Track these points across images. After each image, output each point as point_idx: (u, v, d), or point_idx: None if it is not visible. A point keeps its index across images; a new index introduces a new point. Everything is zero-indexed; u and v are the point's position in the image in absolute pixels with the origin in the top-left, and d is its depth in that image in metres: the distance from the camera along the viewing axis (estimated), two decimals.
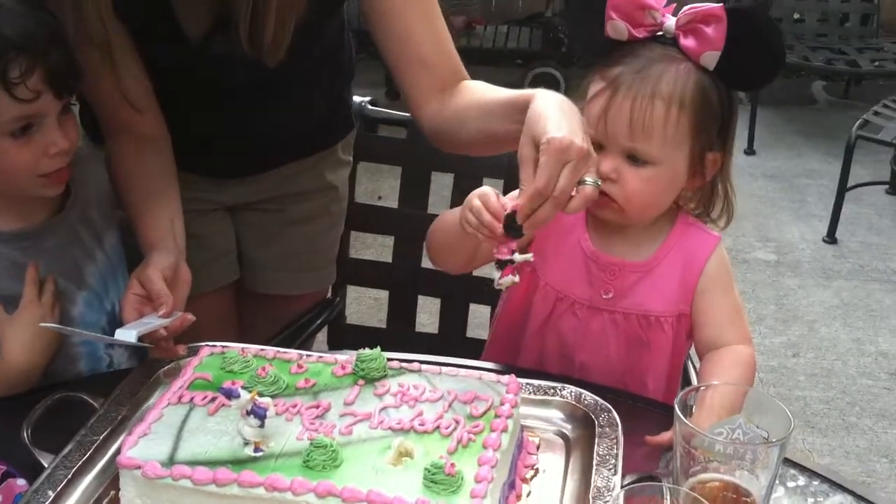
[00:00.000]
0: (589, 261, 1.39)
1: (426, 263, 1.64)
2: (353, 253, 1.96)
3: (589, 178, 1.17)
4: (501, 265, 1.18)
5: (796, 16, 5.15)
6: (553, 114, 1.18)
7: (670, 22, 1.30)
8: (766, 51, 1.29)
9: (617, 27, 1.30)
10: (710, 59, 1.27)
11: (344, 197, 1.83)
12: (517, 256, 1.18)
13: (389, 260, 1.93)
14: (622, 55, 1.30)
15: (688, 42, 1.28)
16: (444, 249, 1.41)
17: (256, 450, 1.02)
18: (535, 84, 5.17)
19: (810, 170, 4.62)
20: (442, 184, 1.84)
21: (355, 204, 1.89)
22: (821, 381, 3.06)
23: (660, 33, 1.31)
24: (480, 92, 1.44)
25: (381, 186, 3.02)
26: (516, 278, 1.19)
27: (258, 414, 1.02)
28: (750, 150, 4.75)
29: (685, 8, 1.29)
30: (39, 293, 1.35)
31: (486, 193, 1.18)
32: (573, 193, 1.17)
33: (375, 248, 2.55)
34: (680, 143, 1.30)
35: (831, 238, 3.94)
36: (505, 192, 1.21)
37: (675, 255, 1.38)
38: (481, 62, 5.03)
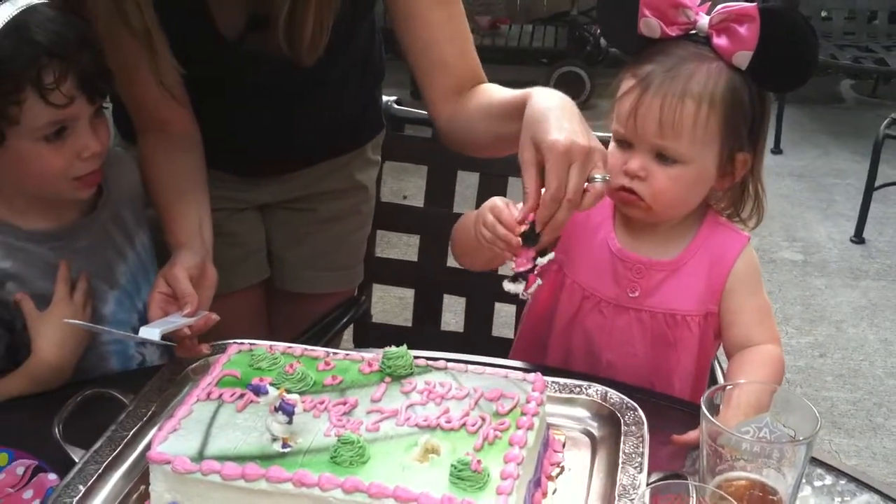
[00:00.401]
0: (615, 259, 1.39)
1: (451, 262, 1.64)
2: (378, 252, 1.96)
3: (598, 175, 1.16)
4: (523, 276, 1.18)
5: (824, 13, 5.11)
6: (551, 114, 1.17)
7: (703, 21, 1.29)
8: (799, 52, 1.28)
9: (650, 25, 1.30)
10: (743, 58, 1.27)
11: (373, 196, 1.84)
12: (539, 260, 1.18)
13: (415, 259, 1.94)
14: (654, 53, 1.30)
15: (720, 41, 1.28)
16: (465, 250, 1.41)
17: (284, 446, 1.03)
18: (560, 82, 5.18)
19: (838, 169, 4.58)
20: (467, 183, 1.85)
21: (381, 203, 1.89)
22: (848, 382, 3.03)
23: (693, 32, 1.30)
24: (488, 94, 1.44)
25: (407, 186, 3.03)
26: (540, 281, 1.19)
27: (286, 410, 1.03)
28: (777, 149, 4.72)
29: (719, 7, 1.28)
30: (71, 291, 1.36)
31: (498, 207, 1.19)
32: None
33: (401, 247, 2.55)
34: (709, 143, 1.29)
35: (859, 238, 3.91)
36: None
37: (702, 254, 1.37)
38: (506, 61, 5.03)
